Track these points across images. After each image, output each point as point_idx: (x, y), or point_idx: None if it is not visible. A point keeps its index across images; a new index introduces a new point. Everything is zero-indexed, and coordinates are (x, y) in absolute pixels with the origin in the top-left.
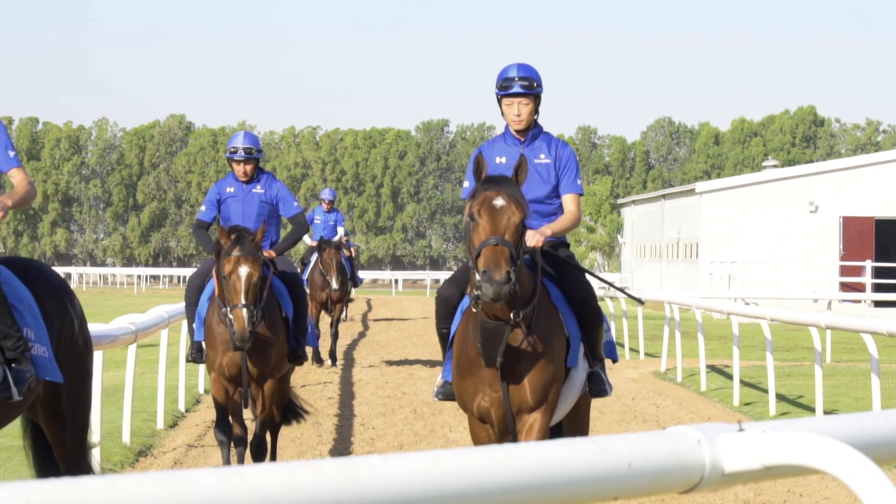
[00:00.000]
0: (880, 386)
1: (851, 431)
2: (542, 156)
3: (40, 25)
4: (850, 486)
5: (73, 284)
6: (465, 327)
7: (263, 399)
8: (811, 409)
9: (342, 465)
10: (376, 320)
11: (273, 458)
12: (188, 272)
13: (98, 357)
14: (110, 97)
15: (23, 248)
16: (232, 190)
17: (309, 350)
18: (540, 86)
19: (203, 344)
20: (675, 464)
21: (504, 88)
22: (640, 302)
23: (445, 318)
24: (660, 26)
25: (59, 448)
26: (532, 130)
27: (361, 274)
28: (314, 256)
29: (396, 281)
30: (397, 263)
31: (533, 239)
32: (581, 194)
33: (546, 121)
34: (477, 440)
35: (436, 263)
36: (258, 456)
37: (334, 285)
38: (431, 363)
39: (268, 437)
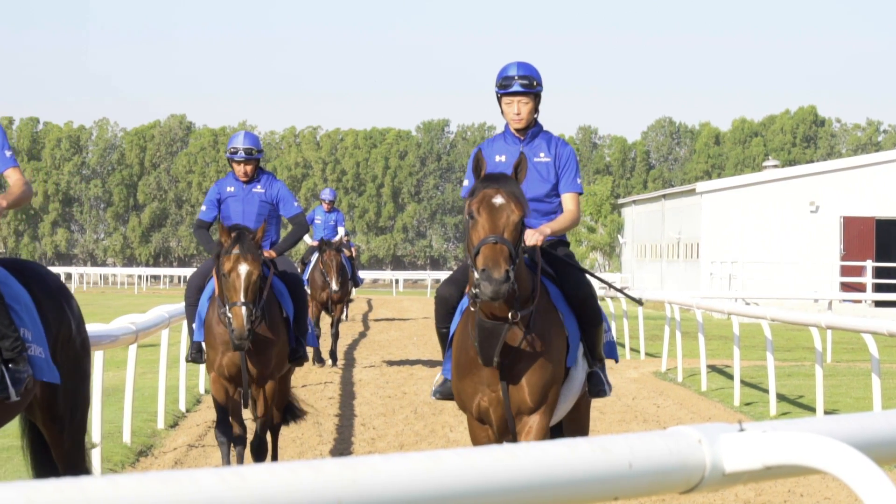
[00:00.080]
0: (881, 386)
1: (852, 431)
2: (542, 154)
3: (40, 25)
4: (850, 486)
5: (73, 284)
6: (465, 327)
7: (265, 400)
8: (812, 410)
9: (343, 465)
10: (377, 320)
11: (274, 458)
12: (189, 272)
13: (99, 357)
14: (111, 97)
15: (23, 248)
16: (232, 189)
17: (310, 350)
18: (540, 84)
19: (203, 344)
20: (675, 464)
21: (504, 87)
22: (639, 303)
23: (445, 317)
24: (660, 26)
25: (57, 449)
26: (532, 129)
27: (362, 274)
28: (315, 256)
29: (397, 281)
30: (398, 263)
31: (532, 238)
32: (581, 193)
33: (547, 121)
34: (476, 441)
35: (436, 263)
36: (259, 456)
37: (334, 287)
38: (432, 363)
39: (268, 437)
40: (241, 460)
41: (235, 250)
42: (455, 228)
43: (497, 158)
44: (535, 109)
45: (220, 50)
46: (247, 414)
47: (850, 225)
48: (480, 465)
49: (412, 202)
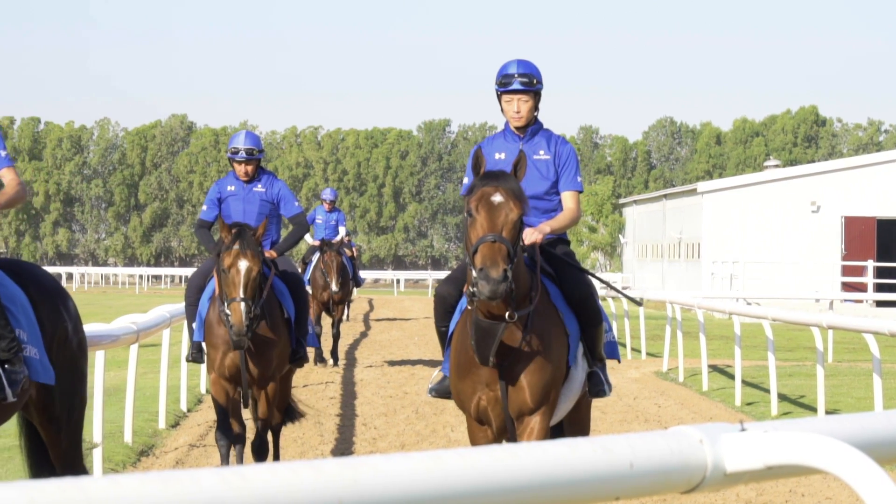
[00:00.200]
0: (882, 386)
1: (853, 431)
2: (542, 152)
3: (41, 25)
4: (851, 485)
5: (74, 284)
6: (464, 326)
7: (266, 401)
8: (813, 409)
9: (344, 464)
10: (378, 320)
11: (276, 457)
12: (190, 272)
13: (100, 357)
14: (112, 97)
15: (24, 248)
16: (233, 188)
17: (311, 351)
18: (540, 82)
19: (203, 344)
20: (677, 464)
21: (504, 85)
22: (638, 303)
23: (444, 316)
24: (661, 26)
25: (55, 449)
26: (532, 127)
27: (363, 274)
28: (316, 256)
29: (398, 281)
30: (399, 263)
31: (531, 236)
32: (580, 191)
33: (548, 121)
34: (474, 441)
35: (437, 263)
36: (260, 456)
37: (335, 287)
38: (433, 363)
39: (269, 436)
40: (241, 460)
41: (236, 246)
42: (456, 228)
43: (497, 156)
44: (535, 107)
45: (222, 50)
46: (246, 413)
47: (852, 225)
48: (481, 465)
49: (413, 202)
